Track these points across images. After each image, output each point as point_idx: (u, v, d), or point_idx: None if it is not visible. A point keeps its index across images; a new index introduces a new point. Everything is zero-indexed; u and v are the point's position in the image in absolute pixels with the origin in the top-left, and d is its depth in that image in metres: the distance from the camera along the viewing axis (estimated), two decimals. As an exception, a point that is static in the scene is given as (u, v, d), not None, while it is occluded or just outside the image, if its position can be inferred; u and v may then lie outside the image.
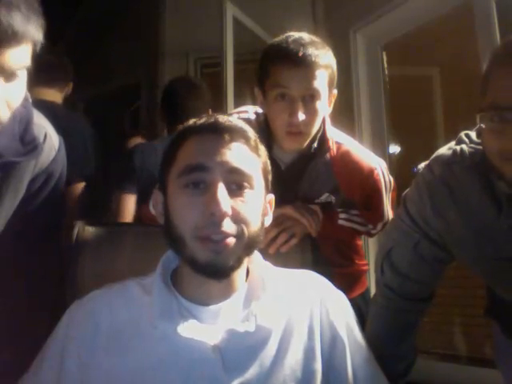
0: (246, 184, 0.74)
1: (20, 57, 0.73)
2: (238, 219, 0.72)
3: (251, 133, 0.78)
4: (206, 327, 0.73)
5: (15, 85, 0.76)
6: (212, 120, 0.77)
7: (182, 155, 0.76)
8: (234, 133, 0.75)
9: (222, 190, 0.71)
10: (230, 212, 0.70)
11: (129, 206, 1.62)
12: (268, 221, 0.82)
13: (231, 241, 0.71)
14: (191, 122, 0.80)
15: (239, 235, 0.72)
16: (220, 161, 0.73)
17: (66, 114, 1.89)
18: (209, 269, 0.72)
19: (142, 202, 1.57)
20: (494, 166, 0.83)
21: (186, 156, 0.75)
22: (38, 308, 0.98)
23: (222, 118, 0.77)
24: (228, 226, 0.71)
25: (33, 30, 0.74)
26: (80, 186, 1.80)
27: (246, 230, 0.73)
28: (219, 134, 0.75)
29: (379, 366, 0.83)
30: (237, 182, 0.73)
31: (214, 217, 0.70)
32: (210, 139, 0.75)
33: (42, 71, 1.75)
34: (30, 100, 0.90)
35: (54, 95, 1.87)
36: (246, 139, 0.77)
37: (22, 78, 0.78)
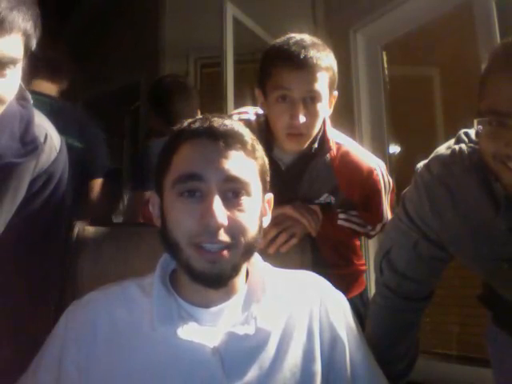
0: (242, 191, 0.73)
1: (8, 47, 0.72)
2: (234, 229, 0.71)
3: (248, 136, 0.76)
4: (206, 329, 0.73)
5: (6, 79, 0.75)
6: (207, 124, 0.75)
7: (177, 161, 0.75)
8: (230, 138, 0.74)
9: (217, 201, 0.70)
10: (225, 223, 0.70)
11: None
12: (267, 221, 0.82)
13: (226, 252, 0.71)
14: (185, 123, 0.78)
15: (235, 244, 0.72)
16: (216, 169, 0.71)
17: (81, 112, 1.89)
18: (205, 278, 0.71)
19: None
20: (491, 168, 0.83)
21: (181, 163, 0.74)
22: (38, 307, 0.98)
23: (217, 122, 0.75)
24: (223, 235, 0.70)
25: (21, 20, 0.72)
26: (99, 181, 1.80)
27: (242, 239, 0.72)
28: (215, 140, 0.73)
29: (379, 366, 0.83)
30: (233, 190, 0.72)
31: (209, 227, 0.69)
32: (205, 146, 0.73)
33: (40, 65, 1.75)
34: (31, 101, 0.90)
35: (50, 88, 1.85)
36: (243, 144, 0.75)
37: (15, 73, 0.77)
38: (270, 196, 0.83)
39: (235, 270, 0.74)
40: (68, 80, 1.92)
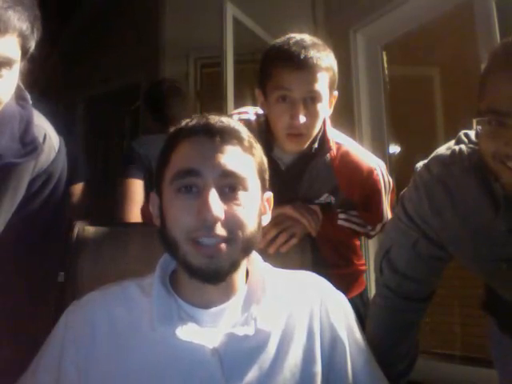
0: (239, 186, 0.73)
1: (4, 47, 0.72)
2: (231, 223, 0.71)
3: (244, 133, 0.77)
4: (206, 330, 0.73)
5: (3, 80, 0.75)
6: (203, 121, 0.76)
7: (175, 159, 0.75)
8: (227, 134, 0.74)
9: (213, 196, 0.70)
10: (222, 217, 0.70)
11: (136, 190, 1.62)
12: (266, 219, 0.82)
13: (224, 246, 0.71)
14: (183, 123, 0.79)
15: (233, 239, 0.72)
16: (212, 165, 0.72)
17: (60, 115, 1.89)
18: (203, 274, 0.71)
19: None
20: (490, 168, 0.83)
21: (178, 160, 0.75)
22: (38, 307, 0.98)
23: (214, 119, 0.76)
24: (220, 230, 0.70)
25: (16, 20, 0.72)
26: (80, 185, 1.81)
27: (240, 234, 0.72)
28: (211, 136, 0.73)
29: (380, 367, 0.83)
30: (230, 185, 0.72)
31: (206, 221, 0.69)
32: (202, 142, 0.74)
33: None
34: (30, 101, 0.90)
35: None
36: (239, 140, 0.75)
37: (12, 74, 0.77)
38: (270, 195, 0.83)
39: (234, 266, 0.74)
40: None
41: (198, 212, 0.70)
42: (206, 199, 0.70)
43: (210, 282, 0.73)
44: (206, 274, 0.71)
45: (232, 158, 0.73)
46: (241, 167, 0.74)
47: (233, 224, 0.71)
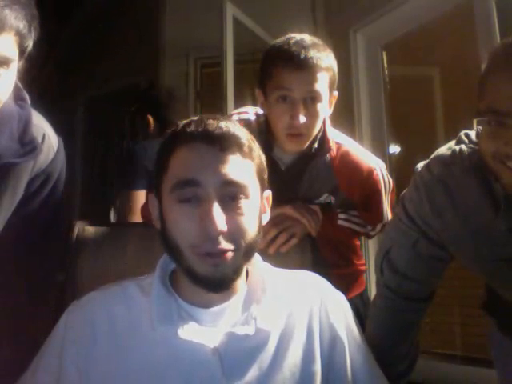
0: (241, 195, 0.72)
1: (0, 46, 0.72)
2: (234, 233, 0.71)
3: (244, 137, 0.75)
4: (206, 330, 0.73)
5: (0, 79, 0.75)
6: (202, 128, 0.73)
7: (174, 166, 0.74)
8: (227, 142, 0.72)
9: (216, 208, 0.69)
10: (225, 229, 0.69)
11: (140, 202, 1.62)
12: (266, 218, 0.82)
13: (229, 254, 0.71)
14: (180, 125, 0.77)
15: (236, 248, 0.72)
16: (213, 174, 0.71)
17: None
18: (208, 282, 0.71)
19: None
20: (490, 168, 0.83)
21: (177, 168, 0.73)
22: (38, 307, 0.98)
23: (212, 125, 0.73)
24: (224, 244, 0.70)
25: (13, 18, 0.71)
26: None
27: (243, 242, 0.72)
28: (210, 144, 0.72)
29: (380, 367, 0.83)
30: (231, 195, 0.72)
31: (210, 234, 0.69)
32: (202, 150, 0.72)
33: None
34: (29, 101, 0.90)
35: None
36: (239, 146, 0.73)
37: (9, 74, 0.76)
38: (269, 193, 0.83)
39: (237, 273, 0.74)
40: None
41: (201, 220, 0.70)
42: (209, 212, 0.69)
43: (214, 290, 0.73)
44: (211, 282, 0.71)
45: (233, 166, 0.72)
46: (242, 175, 0.73)
47: (236, 234, 0.71)
